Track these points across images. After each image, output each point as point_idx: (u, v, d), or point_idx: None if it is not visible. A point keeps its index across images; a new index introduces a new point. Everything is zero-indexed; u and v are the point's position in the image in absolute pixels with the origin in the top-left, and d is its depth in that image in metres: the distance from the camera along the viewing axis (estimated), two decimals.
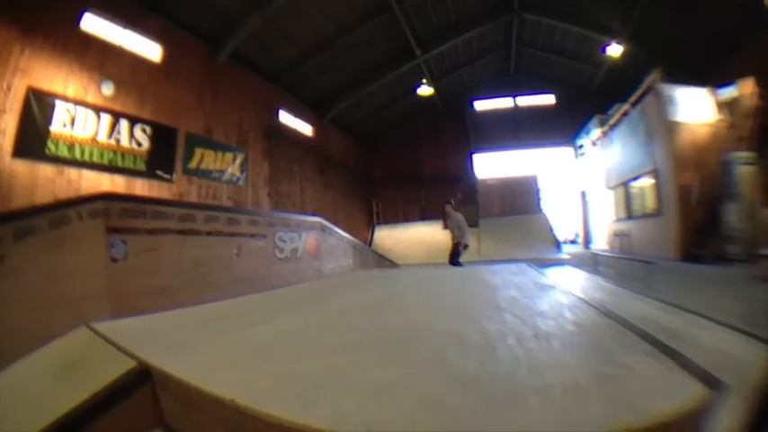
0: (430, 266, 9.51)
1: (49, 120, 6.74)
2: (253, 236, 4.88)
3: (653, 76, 10.38)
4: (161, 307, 3.12)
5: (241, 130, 11.34)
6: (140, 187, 8.14)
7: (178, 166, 9.22)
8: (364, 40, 13.14)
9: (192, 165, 9.62)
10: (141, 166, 8.30)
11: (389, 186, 20.39)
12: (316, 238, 6.27)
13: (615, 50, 13.32)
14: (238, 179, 11.02)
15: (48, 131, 6.72)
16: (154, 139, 8.58)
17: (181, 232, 3.91)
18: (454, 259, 8.24)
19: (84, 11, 7.48)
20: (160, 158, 8.72)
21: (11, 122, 6.26)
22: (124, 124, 7.98)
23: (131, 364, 1.65)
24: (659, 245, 10.22)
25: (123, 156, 7.94)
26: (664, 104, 9.88)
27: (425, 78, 16.33)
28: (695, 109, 9.78)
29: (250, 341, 2.00)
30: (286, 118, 13.73)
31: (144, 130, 8.40)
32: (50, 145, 6.73)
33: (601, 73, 16.31)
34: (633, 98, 11.59)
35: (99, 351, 1.95)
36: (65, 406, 1.39)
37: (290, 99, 13.85)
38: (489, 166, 19.69)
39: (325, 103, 15.36)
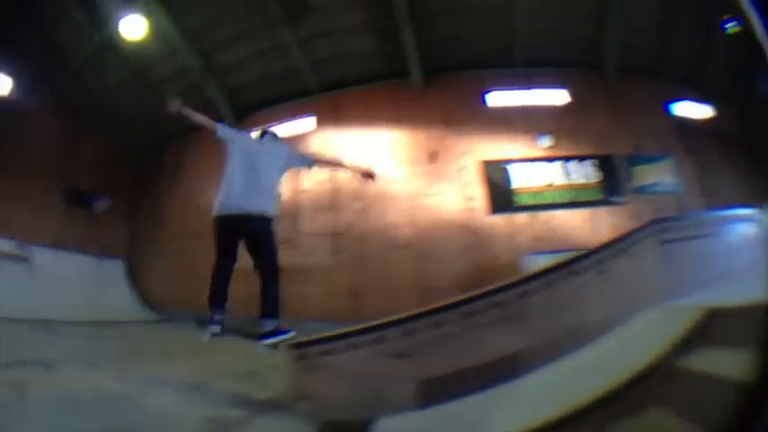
0: None
1: (506, 180, 8.52)
2: None
3: None
4: None
5: (656, 136, 10.52)
6: (603, 214, 8.65)
7: (625, 187, 9.29)
8: None
9: (636, 183, 9.55)
10: (598, 195, 8.85)
11: None
12: None
13: None
14: (674, 186, 10.33)
15: (509, 189, 8.46)
16: (599, 169, 9.08)
17: None
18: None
19: (485, 92, 9.23)
20: (609, 185, 9.07)
21: (477, 190, 8.40)
22: (570, 165, 8.90)
23: None
24: None
25: (579, 191, 8.79)
26: None
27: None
28: None
29: None
30: (685, 108, 11.94)
31: (588, 165, 9.05)
32: (516, 198, 8.41)
33: None
34: None
35: None
36: None
37: (684, 88, 11.96)
38: None
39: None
